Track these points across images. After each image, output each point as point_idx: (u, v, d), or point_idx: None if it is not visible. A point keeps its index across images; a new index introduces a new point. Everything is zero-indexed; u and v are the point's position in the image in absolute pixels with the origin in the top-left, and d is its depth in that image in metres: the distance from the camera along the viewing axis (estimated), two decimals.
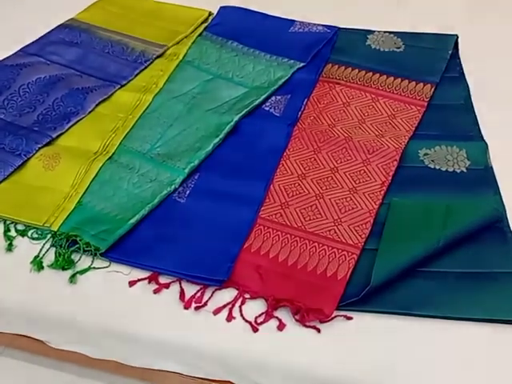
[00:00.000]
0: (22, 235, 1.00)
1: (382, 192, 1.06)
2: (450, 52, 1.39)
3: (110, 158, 1.14)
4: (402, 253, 0.93)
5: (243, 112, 1.23)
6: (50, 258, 0.96)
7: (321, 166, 1.13)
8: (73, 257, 0.96)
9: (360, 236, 0.98)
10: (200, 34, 1.50)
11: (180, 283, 0.93)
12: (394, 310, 0.89)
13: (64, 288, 0.93)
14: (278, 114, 1.25)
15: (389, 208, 1.03)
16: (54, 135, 1.18)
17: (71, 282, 0.93)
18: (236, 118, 1.21)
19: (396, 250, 0.93)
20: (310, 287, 0.91)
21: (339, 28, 1.50)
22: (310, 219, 1.02)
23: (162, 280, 0.93)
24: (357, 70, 1.36)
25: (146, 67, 1.39)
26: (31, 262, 0.95)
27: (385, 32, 1.48)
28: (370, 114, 1.25)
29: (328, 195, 1.06)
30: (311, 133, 1.20)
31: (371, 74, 1.35)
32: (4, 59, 1.38)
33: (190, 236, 1.00)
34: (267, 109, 1.27)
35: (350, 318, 0.87)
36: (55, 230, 1.00)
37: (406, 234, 0.96)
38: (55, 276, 0.94)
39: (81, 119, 1.23)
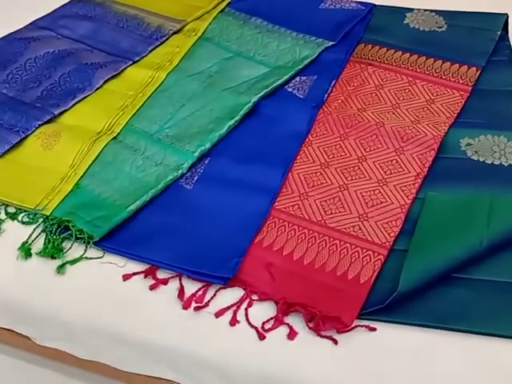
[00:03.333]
0: (12, 219, 0.91)
1: (417, 185, 0.93)
2: (498, 33, 1.24)
3: (114, 138, 1.04)
4: (436, 255, 0.80)
5: (262, 93, 1.11)
6: (39, 244, 0.87)
7: (347, 154, 1.00)
8: (64, 244, 0.87)
9: (389, 234, 0.85)
10: (222, 10, 1.39)
11: (180, 279, 0.82)
12: (425, 323, 0.75)
13: (51, 279, 0.83)
14: (301, 96, 1.13)
15: (423, 203, 0.90)
16: (57, 112, 1.08)
17: (59, 272, 0.83)
18: (254, 99, 1.09)
19: (429, 251, 0.80)
20: (327, 290, 0.79)
21: (374, 5, 1.36)
22: (331, 213, 0.90)
23: (161, 275, 0.83)
24: (392, 51, 1.22)
25: (161, 43, 1.28)
26: (18, 249, 0.86)
27: (425, 10, 1.33)
28: (405, 98, 1.11)
29: (353, 187, 0.94)
30: (338, 117, 1.07)
31: (408, 54, 1.21)
32: (13, 32, 1.29)
33: (195, 226, 0.88)
34: (290, 90, 1.15)
35: (372, 329, 0.75)
36: (47, 214, 0.90)
37: (442, 233, 0.83)
38: (43, 265, 0.84)
39: (87, 96, 1.14)
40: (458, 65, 1.17)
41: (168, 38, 1.29)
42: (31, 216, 0.91)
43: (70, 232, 0.87)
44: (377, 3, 1.36)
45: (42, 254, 0.85)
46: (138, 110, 1.11)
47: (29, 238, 0.88)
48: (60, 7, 1.40)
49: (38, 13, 1.36)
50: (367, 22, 1.32)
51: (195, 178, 0.96)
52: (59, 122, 1.08)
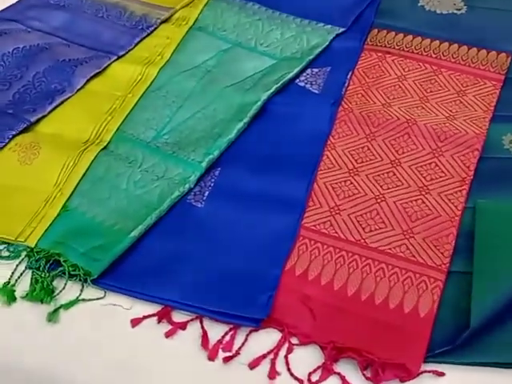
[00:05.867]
0: None
1: (464, 192, 0.81)
2: None
3: (104, 147, 0.88)
4: (506, 278, 0.67)
5: (272, 89, 0.97)
6: (25, 285, 0.71)
7: (377, 158, 0.87)
8: (56, 283, 0.71)
9: (442, 254, 0.73)
10: None
11: (201, 322, 0.67)
12: (504, 361, 0.63)
13: (42, 329, 0.67)
14: (316, 91, 0.99)
15: (475, 214, 0.78)
16: (33, 119, 0.92)
17: (51, 320, 0.68)
18: (264, 97, 0.95)
19: (497, 274, 0.68)
20: (381, 329, 0.66)
21: None
22: (370, 230, 0.77)
23: (177, 317, 0.68)
24: (411, 37, 1.09)
25: (148, 34, 1.12)
26: None
27: None
28: (433, 91, 0.99)
29: (391, 197, 0.81)
30: (361, 114, 0.94)
31: (429, 40, 1.08)
32: None
33: (213, 254, 0.74)
34: (302, 84, 1.01)
35: (441, 374, 0.62)
36: (32, 245, 0.74)
37: (506, 250, 0.71)
38: (30, 311, 0.69)
39: (67, 99, 0.97)
40: (485, 51, 1.05)
41: (156, 29, 1.13)
42: (12, 249, 0.75)
43: (61, 268, 0.71)
44: None
45: (28, 298, 0.69)
46: (129, 114, 0.95)
47: (11, 277, 0.72)
48: None
49: (1, 3, 1.18)
50: (377, 4, 1.19)
51: (206, 194, 0.82)
52: (37, 130, 0.92)
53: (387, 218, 0.78)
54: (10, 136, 0.89)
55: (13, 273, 0.72)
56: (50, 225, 0.77)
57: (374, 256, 0.73)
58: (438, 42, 1.08)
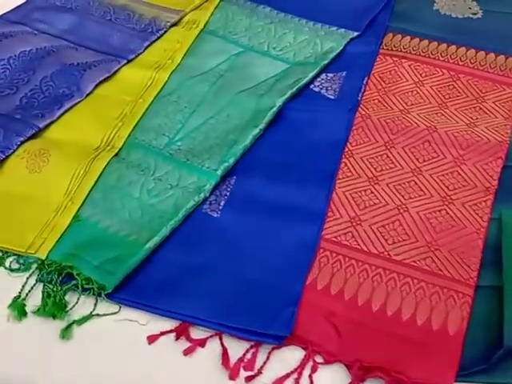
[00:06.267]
0: None
1: (489, 202, 0.78)
2: None
3: (116, 154, 0.86)
4: None
5: (288, 94, 0.94)
6: (36, 299, 0.68)
7: (397, 166, 0.85)
8: (68, 298, 0.68)
9: (469, 267, 0.70)
10: None
11: (221, 339, 0.65)
12: None
13: (54, 345, 0.65)
14: (332, 97, 0.97)
15: (501, 225, 0.75)
16: (42, 125, 0.89)
17: (64, 336, 0.65)
18: (279, 102, 0.92)
19: None
20: (410, 347, 0.63)
21: None
22: (393, 242, 0.74)
23: (195, 334, 0.65)
24: (426, 41, 1.07)
25: (158, 38, 1.09)
26: (9, 306, 0.67)
27: None
28: (452, 97, 0.96)
29: (414, 207, 0.78)
30: (379, 121, 0.91)
31: (445, 45, 1.06)
32: None
33: (231, 266, 0.71)
34: (317, 89, 0.98)
35: None
36: (43, 257, 0.71)
37: None
38: (42, 327, 0.66)
39: (76, 104, 0.94)
40: (503, 56, 1.02)
41: (165, 32, 1.11)
42: (22, 261, 0.72)
43: (74, 282, 0.69)
44: None
45: (40, 313, 0.66)
46: (140, 120, 0.92)
47: (21, 290, 0.69)
48: None
49: (6, 5, 1.16)
50: (391, 8, 1.17)
51: (222, 203, 0.79)
52: (46, 137, 0.89)
53: (410, 230, 0.75)
54: (18, 142, 0.85)
55: (23, 286, 0.69)
56: (61, 236, 0.74)
57: (398, 269, 0.70)
58: (454, 46, 1.05)
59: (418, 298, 0.67)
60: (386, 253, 0.73)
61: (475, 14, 1.15)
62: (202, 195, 0.79)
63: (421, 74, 1.01)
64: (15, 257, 0.73)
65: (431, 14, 1.15)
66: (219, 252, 0.73)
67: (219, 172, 0.82)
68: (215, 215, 0.78)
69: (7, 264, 0.72)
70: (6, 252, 0.73)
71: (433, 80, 1.00)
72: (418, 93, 0.97)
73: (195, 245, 0.74)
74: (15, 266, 0.72)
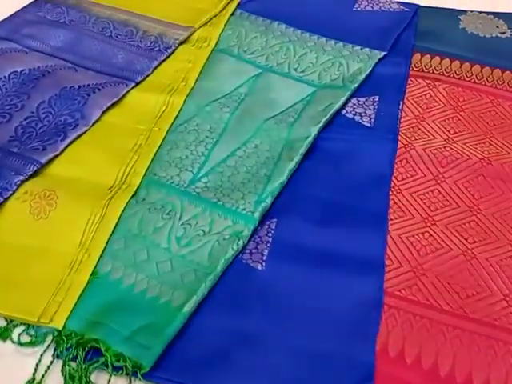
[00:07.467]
0: (2, 337, 0.59)
1: None
2: None
3: (134, 194, 0.74)
4: None
5: (322, 122, 0.85)
6: (55, 381, 0.56)
7: (452, 204, 0.76)
8: (94, 376, 0.56)
9: None
10: (233, 13, 1.11)
11: None
12: None
13: None
14: (368, 124, 0.88)
15: None
16: (44, 160, 0.76)
17: None
18: (315, 131, 0.83)
19: None
20: None
21: (419, 6, 1.13)
22: (466, 296, 0.65)
23: None
24: (458, 62, 0.99)
25: (167, 57, 0.99)
26: None
27: (480, 12, 1.12)
28: (496, 124, 0.89)
29: (481, 252, 0.70)
30: (424, 152, 0.83)
31: (479, 67, 0.98)
32: None
33: (284, 332, 0.60)
34: (350, 116, 0.89)
35: None
36: (59, 327, 0.59)
37: None
38: None
39: (82, 134, 0.83)
40: None
41: (174, 51, 1.00)
42: (33, 332, 0.60)
43: (102, 359, 0.57)
44: (420, 3, 1.14)
45: None
46: (156, 152, 0.81)
47: (35, 371, 0.56)
48: (20, 10, 1.07)
49: None
50: (414, 26, 1.09)
51: (265, 253, 0.68)
52: (50, 174, 0.76)
53: (483, 281, 0.66)
54: (18, 182, 0.73)
55: (37, 364, 0.57)
56: (79, 297, 0.62)
57: (479, 330, 0.61)
58: (488, 68, 0.98)
59: (506, 364, 0.58)
60: (460, 310, 0.63)
61: (503, 33, 1.08)
62: (241, 243, 0.68)
63: (458, 99, 0.93)
64: (24, 327, 0.60)
65: (458, 32, 1.08)
66: (269, 314, 0.62)
67: (257, 214, 0.71)
68: (259, 267, 0.67)
69: (15, 336, 0.59)
70: (12, 321, 0.61)
71: (472, 105, 0.92)
72: (459, 119, 0.89)
73: (239, 306, 0.63)
74: (25, 338, 0.59)
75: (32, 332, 0.60)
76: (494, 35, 1.07)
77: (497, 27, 1.09)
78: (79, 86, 0.90)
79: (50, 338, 0.59)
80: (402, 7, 1.12)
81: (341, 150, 0.83)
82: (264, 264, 0.67)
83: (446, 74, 0.98)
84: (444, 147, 0.83)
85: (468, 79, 0.97)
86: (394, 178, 0.80)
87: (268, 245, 0.69)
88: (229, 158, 0.81)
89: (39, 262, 0.65)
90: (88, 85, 0.90)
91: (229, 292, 0.64)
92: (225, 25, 1.07)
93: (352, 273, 0.66)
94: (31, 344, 0.59)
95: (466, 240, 0.71)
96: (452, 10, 1.13)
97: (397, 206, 0.76)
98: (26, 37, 1.00)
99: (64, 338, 0.58)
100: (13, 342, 0.59)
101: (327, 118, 0.86)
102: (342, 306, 0.63)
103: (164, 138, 0.83)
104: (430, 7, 1.13)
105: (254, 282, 0.65)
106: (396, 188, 0.78)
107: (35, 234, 0.68)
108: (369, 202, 0.75)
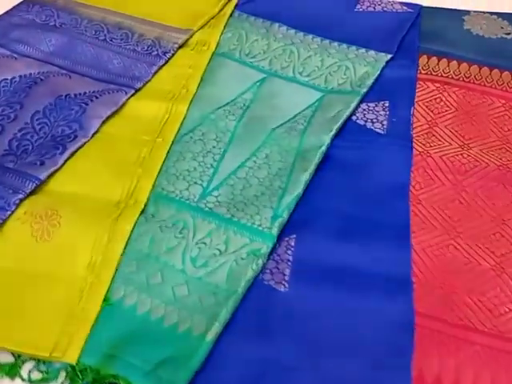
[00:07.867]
0: (10, 375, 0.55)
1: None
2: None
3: (142, 211, 0.70)
4: None
5: (334, 130, 0.81)
6: None
7: (474, 214, 0.73)
8: None
9: None
10: (231, 15, 1.06)
11: None
12: None
13: None
14: (381, 131, 0.84)
15: None
16: (43, 176, 0.71)
17: None
18: (328, 140, 0.79)
19: None
20: None
21: (422, 6, 1.11)
22: (499, 314, 0.62)
23: None
24: (466, 65, 0.97)
25: (166, 62, 0.94)
26: None
27: (484, 13, 1.10)
28: (510, 129, 0.86)
29: (509, 266, 0.67)
30: (441, 159, 0.80)
31: (487, 69, 0.96)
32: None
33: (315, 359, 0.57)
34: (362, 123, 0.86)
35: None
36: (73, 362, 0.54)
37: None
38: None
39: (82, 146, 0.78)
40: None
41: (173, 55, 0.95)
42: (44, 368, 0.55)
43: None
44: (422, 3, 1.11)
45: None
46: (162, 165, 0.77)
47: None
48: (6, 13, 1.00)
49: None
50: (418, 27, 1.06)
51: (287, 272, 0.65)
52: (50, 191, 0.71)
53: None
54: (17, 201, 0.67)
55: None
56: (92, 327, 0.58)
57: None
58: (497, 71, 0.96)
59: None
60: (495, 329, 0.61)
61: (508, 33, 1.06)
62: (260, 262, 0.64)
63: (469, 102, 0.90)
64: (34, 362, 0.55)
65: (463, 34, 1.05)
66: (296, 340, 0.58)
67: (274, 231, 0.67)
68: (282, 289, 0.63)
69: (24, 373, 0.54)
70: (20, 356, 0.56)
71: (485, 110, 0.89)
72: (472, 125, 0.87)
73: (264, 331, 0.59)
74: (36, 375, 0.54)
75: (43, 368, 0.55)
76: (499, 36, 1.05)
77: (501, 28, 1.07)
78: (75, 95, 0.84)
79: (63, 373, 0.54)
80: (404, 8, 1.09)
81: (355, 158, 0.79)
82: (287, 285, 0.63)
83: (455, 77, 0.95)
84: (461, 154, 0.81)
85: (478, 82, 0.94)
86: (411, 188, 0.77)
87: (289, 263, 0.66)
88: (239, 170, 0.77)
89: (45, 289, 0.60)
90: (84, 93, 0.85)
91: (252, 316, 0.60)
92: (224, 27, 1.03)
93: (380, 292, 0.63)
94: (43, 381, 0.54)
95: (494, 253, 0.68)
96: (455, 10, 1.10)
97: (418, 217, 0.73)
98: (14, 41, 0.94)
99: (79, 373, 0.53)
100: (22, 379, 0.54)
101: (338, 125, 0.82)
102: (371, 328, 0.60)
103: (169, 149, 0.79)
104: (433, 7, 1.10)
105: (277, 305, 0.61)
106: (415, 198, 0.75)
107: (38, 258, 0.63)
108: (389, 213, 0.72)
